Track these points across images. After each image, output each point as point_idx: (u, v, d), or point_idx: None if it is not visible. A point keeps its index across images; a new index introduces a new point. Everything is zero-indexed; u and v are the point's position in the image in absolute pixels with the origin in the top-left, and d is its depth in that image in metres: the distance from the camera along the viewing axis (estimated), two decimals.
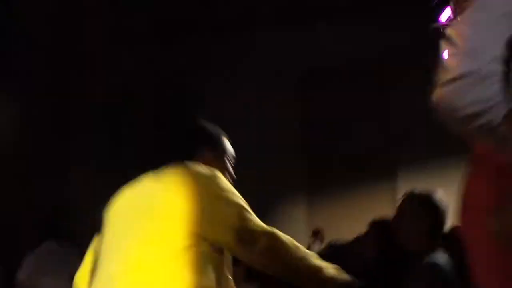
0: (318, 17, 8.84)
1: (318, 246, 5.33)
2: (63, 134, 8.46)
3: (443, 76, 1.44)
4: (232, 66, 10.55)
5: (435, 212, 2.85)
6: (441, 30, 1.72)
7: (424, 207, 2.86)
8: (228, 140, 2.44)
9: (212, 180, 2.03)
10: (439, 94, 1.45)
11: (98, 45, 9.33)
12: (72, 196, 8.38)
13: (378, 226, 3.58)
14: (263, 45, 9.65)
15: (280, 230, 2.16)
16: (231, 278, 2.08)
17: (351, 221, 8.79)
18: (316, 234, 5.72)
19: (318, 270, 2.08)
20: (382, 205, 8.74)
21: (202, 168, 2.09)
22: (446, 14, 1.81)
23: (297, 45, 9.45)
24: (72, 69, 8.62)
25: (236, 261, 2.11)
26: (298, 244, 2.13)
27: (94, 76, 8.76)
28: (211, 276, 1.94)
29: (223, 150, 2.35)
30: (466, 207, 1.62)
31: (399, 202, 2.96)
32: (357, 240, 3.86)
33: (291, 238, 2.14)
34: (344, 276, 2.10)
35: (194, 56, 9.72)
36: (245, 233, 1.98)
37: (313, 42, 9.19)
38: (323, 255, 2.17)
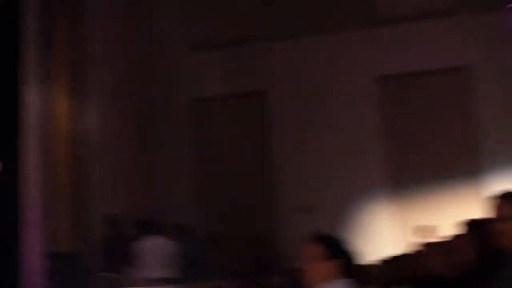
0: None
1: (420, 243, 5.29)
2: None
3: None
4: (314, 70, 10.69)
5: None
6: None
7: None
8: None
9: None
10: None
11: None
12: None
13: (474, 226, 3.53)
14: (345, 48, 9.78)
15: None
16: None
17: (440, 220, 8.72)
18: (419, 232, 5.69)
19: None
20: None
21: None
22: None
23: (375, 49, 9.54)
24: None
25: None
26: None
27: None
28: None
29: None
30: None
31: (494, 202, 2.92)
32: (453, 240, 3.81)
33: None
34: None
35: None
36: None
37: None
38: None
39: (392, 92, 11.04)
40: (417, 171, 10.77)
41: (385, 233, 10.39)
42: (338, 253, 3.19)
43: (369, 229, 10.55)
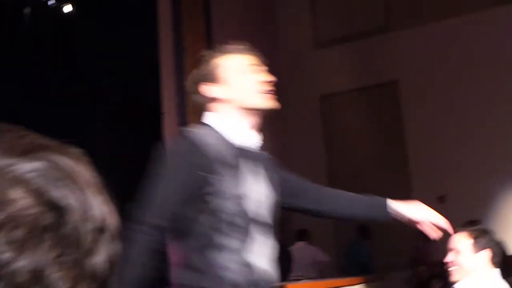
0: None
1: None
2: None
3: None
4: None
5: None
6: None
7: None
8: None
9: None
10: None
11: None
12: None
13: None
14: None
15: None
16: None
17: None
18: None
19: None
20: None
21: None
22: None
23: None
24: None
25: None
26: None
27: None
28: None
29: None
30: None
31: None
32: None
33: None
34: None
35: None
36: None
37: None
38: None
39: None
40: None
41: None
42: (487, 244, 3.11)
43: (507, 220, 10.06)
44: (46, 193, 0.63)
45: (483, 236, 3.13)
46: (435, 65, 10.92)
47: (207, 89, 2.46)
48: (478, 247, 3.07)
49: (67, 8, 8.59)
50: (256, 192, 2.37)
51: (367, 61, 11.45)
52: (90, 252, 0.65)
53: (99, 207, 0.68)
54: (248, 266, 2.25)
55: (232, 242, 2.23)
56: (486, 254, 3.09)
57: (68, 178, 0.66)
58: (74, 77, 8.34)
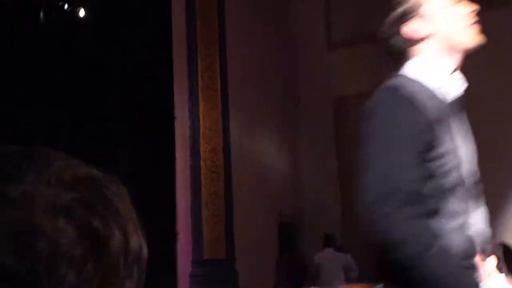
0: None
1: None
2: None
3: None
4: None
5: None
6: None
7: None
8: None
9: None
10: None
11: None
12: None
13: None
14: None
15: None
16: None
17: None
18: None
19: None
20: None
21: None
22: None
23: None
24: None
25: None
26: None
27: None
28: None
29: None
30: None
31: None
32: None
33: None
34: None
35: None
36: None
37: None
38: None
39: None
40: None
41: None
42: (492, 251, 3.10)
43: None
44: (88, 223, 0.64)
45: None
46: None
47: (409, 29, 2.19)
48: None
49: (81, 13, 8.68)
50: (467, 150, 2.15)
51: (383, 62, 11.34)
52: (124, 281, 0.67)
53: (136, 239, 0.69)
54: (470, 230, 2.09)
55: (454, 207, 2.05)
56: (491, 261, 3.11)
57: (110, 209, 0.67)
58: (86, 80, 8.38)
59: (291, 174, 11.58)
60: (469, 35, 2.16)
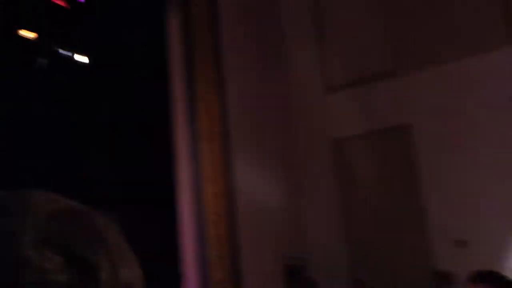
0: None
1: None
2: None
3: None
4: None
5: None
6: None
7: None
8: None
9: None
10: None
11: None
12: None
13: None
14: None
15: None
16: None
17: None
18: None
19: None
20: None
21: None
22: None
23: None
24: None
25: None
26: None
27: None
28: None
29: None
30: None
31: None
32: None
33: None
34: None
35: None
36: None
37: None
38: None
39: None
40: None
41: None
42: None
43: None
44: (74, 252, 0.66)
45: (502, 284, 2.98)
46: (449, 110, 10.71)
47: None
48: None
49: (80, 58, 8.66)
50: None
51: (378, 104, 11.37)
52: None
53: (129, 271, 0.70)
54: None
55: None
56: None
57: (97, 239, 0.69)
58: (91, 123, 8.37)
59: (295, 215, 11.47)
60: None
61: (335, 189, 11.74)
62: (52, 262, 0.64)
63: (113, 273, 0.66)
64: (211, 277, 8.91)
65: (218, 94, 9.94)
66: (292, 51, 12.36)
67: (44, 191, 0.72)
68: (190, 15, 9.62)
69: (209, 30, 9.99)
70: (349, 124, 11.64)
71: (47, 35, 8.02)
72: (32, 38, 7.59)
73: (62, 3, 8.57)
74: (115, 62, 8.64)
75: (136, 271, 0.71)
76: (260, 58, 11.40)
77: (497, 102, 10.27)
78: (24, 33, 7.76)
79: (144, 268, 0.72)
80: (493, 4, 10.62)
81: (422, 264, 10.42)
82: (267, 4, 12.14)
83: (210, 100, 9.77)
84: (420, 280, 10.11)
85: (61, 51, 7.88)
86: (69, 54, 7.95)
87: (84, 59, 8.20)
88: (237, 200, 9.68)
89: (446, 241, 10.38)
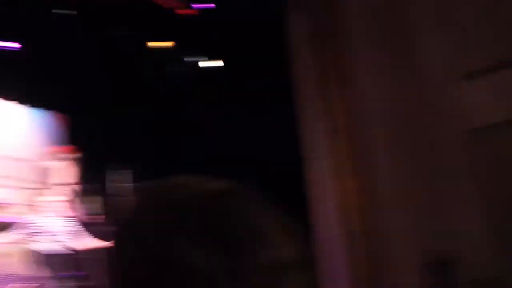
0: None
1: None
2: None
3: None
4: None
5: None
6: None
7: None
8: None
9: None
10: None
11: None
12: None
13: None
14: None
15: None
16: None
17: None
18: None
19: None
20: None
21: None
22: None
23: None
24: None
25: None
26: None
27: None
28: None
29: None
30: None
31: None
32: None
33: None
34: None
35: None
36: None
37: None
38: None
39: None
40: None
41: None
42: None
43: None
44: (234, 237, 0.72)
45: None
46: None
47: None
48: None
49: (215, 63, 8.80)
50: None
51: None
52: None
53: (284, 249, 0.73)
54: None
55: None
56: None
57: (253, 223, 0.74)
58: None
59: (426, 210, 11.15)
60: None
61: (473, 182, 11.21)
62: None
63: (269, 254, 0.65)
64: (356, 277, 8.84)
65: (345, 93, 9.86)
66: (420, 40, 11.88)
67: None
68: (318, 17, 9.55)
69: (336, 27, 9.91)
70: (484, 113, 11.04)
71: (181, 43, 8.20)
72: (169, 46, 7.78)
73: (192, 11, 8.76)
74: (247, 65, 8.72)
75: (292, 250, 0.70)
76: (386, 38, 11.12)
77: None
78: (161, 44, 7.98)
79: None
80: None
81: None
82: None
83: (342, 100, 9.69)
84: None
85: (196, 58, 8.05)
86: (205, 59, 8.09)
87: (219, 63, 8.31)
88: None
89: None
